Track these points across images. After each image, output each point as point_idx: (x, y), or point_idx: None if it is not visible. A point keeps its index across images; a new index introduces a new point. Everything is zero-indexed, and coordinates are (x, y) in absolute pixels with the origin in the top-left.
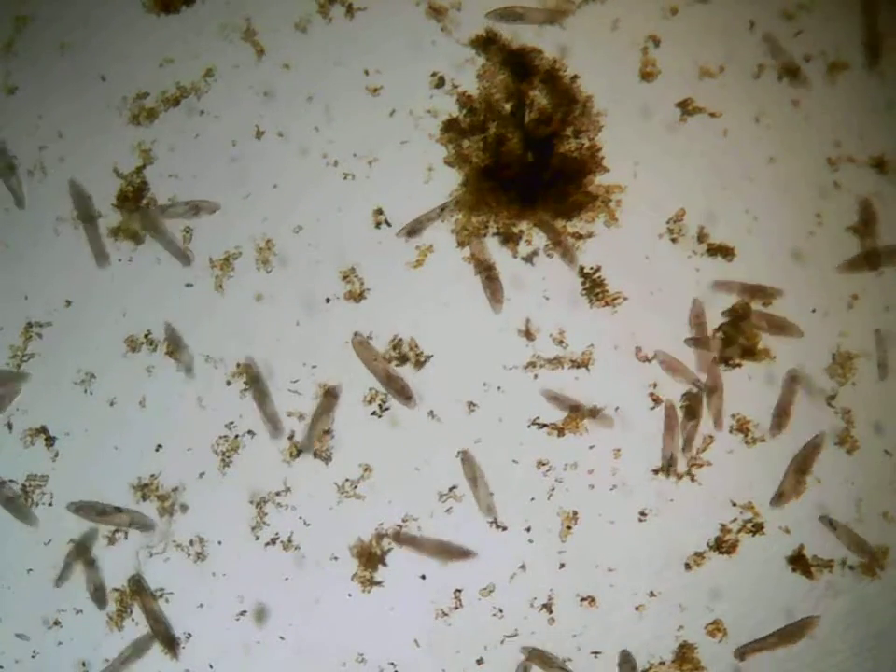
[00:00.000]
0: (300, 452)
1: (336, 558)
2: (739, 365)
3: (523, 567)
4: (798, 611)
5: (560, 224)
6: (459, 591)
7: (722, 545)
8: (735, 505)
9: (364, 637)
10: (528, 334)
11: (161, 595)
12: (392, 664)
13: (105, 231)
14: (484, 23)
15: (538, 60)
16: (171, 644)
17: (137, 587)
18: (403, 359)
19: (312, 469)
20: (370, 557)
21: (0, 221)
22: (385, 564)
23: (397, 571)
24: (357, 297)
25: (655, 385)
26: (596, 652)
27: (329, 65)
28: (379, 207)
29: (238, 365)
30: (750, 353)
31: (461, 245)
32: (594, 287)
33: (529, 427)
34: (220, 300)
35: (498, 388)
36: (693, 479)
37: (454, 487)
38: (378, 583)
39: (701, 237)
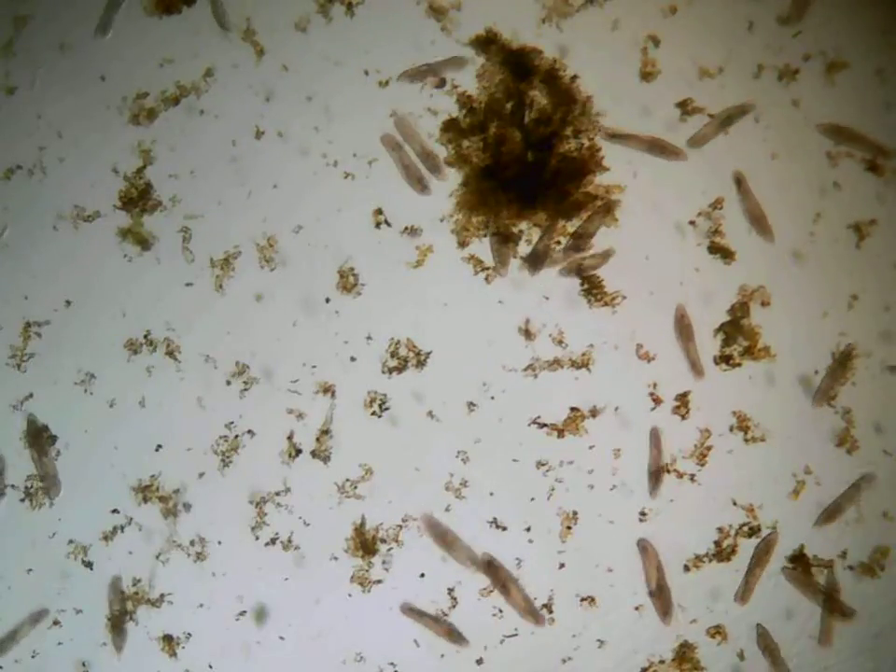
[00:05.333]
0: (299, 452)
1: (336, 558)
2: (739, 364)
3: (522, 567)
4: (798, 611)
5: (560, 224)
6: (458, 590)
7: (721, 552)
8: (735, 505)
9: (364, 637)
10: (528, 334)
11: (162, 597)
12: (392, 664)
13: (114, 230)
14: (484, 24)
15: (538, 60)
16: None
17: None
18: (404, 364)
19: (312, 469)
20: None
21: (0, 221)
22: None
23: (396, 571)
24: (357, 297)
25: (655, 385)
26: (601, 641)
27: (329, 65)
28: (379, 207)
29: (237, 364)
30: (750, 352)
31: (461, 245)
32: (592, 287)
33: (529, 426)
34: (220, 299)
35: (498, 388)
36: (692, 479)
37: (455, 487)
38: (378, 582)
39: (712, 233)
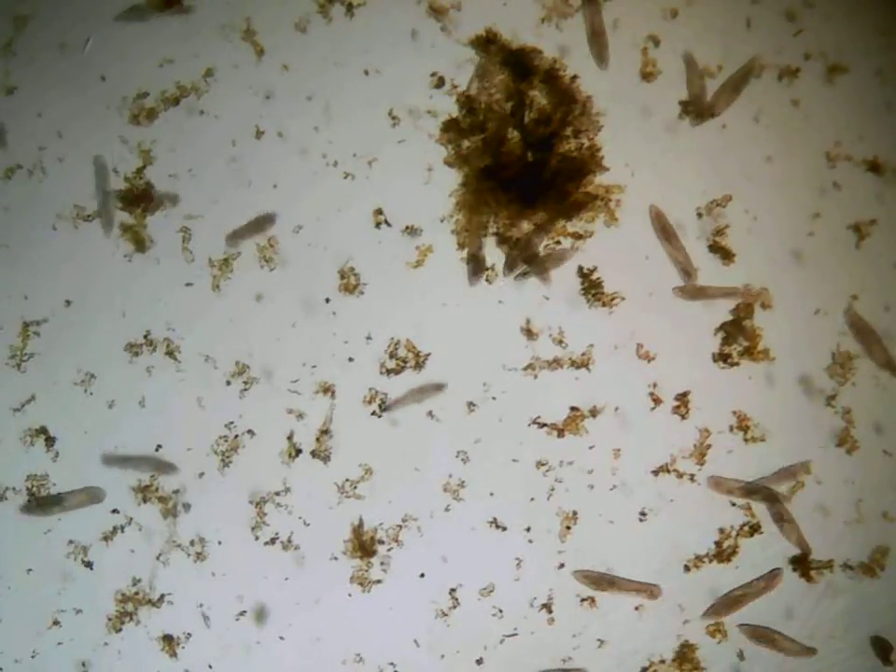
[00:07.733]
0: (299, 452)
1: (336, 558)
2: (737, 364)
3: (522, 567)
4: (798, 611)
5: (560, 224)
6: (458, 590)
7: (721, 552)
8: (734, 505)
9: (363, 637)
10: (529, 334)
11: (162, 597)
12: (392, 664)
13: (117, 226)
14: (484, 24)
15: (538, 60)
16: None
17: None
18: (402, 366)
19: (312, 469)
20: (363, 547)
21: (0, 221)
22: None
23: (396, 570)
24: (357, 297)
25: (655, 385)
26: (601, 641)
27: (329, 65)
28: (379, 207)
29: (237, 364)
30: (749, 353)
31: (461, 245)
32: (591, 287)
33: (529, 426)
34: (220, 300)
35: (499, 388)
36: (692, 479)
37: (454, 488)
38: (378, 582)
39: (712, 233)
